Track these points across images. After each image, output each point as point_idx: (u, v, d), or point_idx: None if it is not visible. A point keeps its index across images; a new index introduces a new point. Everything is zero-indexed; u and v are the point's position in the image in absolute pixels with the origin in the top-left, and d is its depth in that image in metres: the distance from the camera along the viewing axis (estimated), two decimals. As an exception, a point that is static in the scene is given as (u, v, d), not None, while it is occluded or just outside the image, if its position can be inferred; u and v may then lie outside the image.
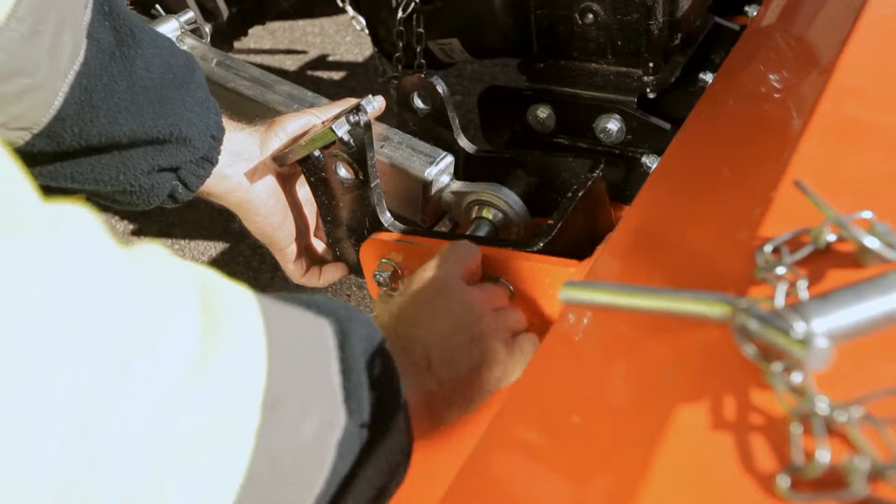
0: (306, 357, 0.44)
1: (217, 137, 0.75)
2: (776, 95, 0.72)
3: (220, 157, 0.76)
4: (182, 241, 2.06)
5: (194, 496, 0.35)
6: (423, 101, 0.92)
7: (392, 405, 0.48)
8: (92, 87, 0.64)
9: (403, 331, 0.62)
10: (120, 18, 0.67)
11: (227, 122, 0.78)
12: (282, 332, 0.42)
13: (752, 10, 1.12)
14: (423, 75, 0.90)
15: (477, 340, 0.63)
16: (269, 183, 0.82)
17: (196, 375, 0.35)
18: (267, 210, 0.83)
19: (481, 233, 0.83)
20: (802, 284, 0.45)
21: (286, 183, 0.85)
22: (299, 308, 0.46)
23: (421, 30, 1.03)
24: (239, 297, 0.41)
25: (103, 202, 0.74)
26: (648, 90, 0.93)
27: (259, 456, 0.38)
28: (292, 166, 0.84)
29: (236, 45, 1.57)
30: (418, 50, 1.04)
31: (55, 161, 0.66)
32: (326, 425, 0.43)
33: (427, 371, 0.60)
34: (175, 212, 0.79)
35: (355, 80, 2.54)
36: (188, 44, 1.03)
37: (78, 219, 0.34)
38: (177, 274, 0.38)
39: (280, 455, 0.40)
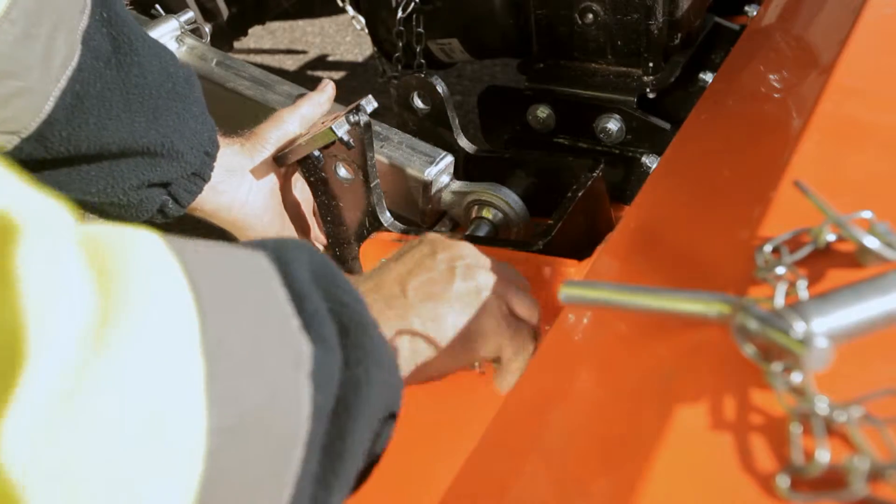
0: (245, 290, 0.39)
1: (211, 154, 0.74)
2: (776, 95, 0.72)
3: (212, 174, 0.75)
4: (182, 241, 2.06)
5: (159, 470, 0.31)
6: (423, 101, 0.92)
7: (361, 327, 0.43)
8: (84, 93, 0.64)
9: (376, 272, 0.58)
10: (118, 26, 0.66)
11: (218, 139, 0.77)
12: (206, 268, 0.36)
13: (752, 10, 1.12)
14: (423, 75, 0.90)
15: (459, 274, 0.58)
16: (263, 197, 0.81)
17: (100, 342, 0.29)
18: (263, 226, 0.82)
19: (481, 233, 0.83)
20: (802, 284, 0.45)
21: (280, 192, 0.84)
22: (225, 247, 0.40)
23: (421, 30, 1.03)
24: (135, 238, 0.34)
25: (93, 214, 0.73)
26: (648, 90, 0.93)
27: (218, 405, 0.33)
28: (285, 174, 0.84)
29: (236, 45, 1.57)
30: (418, 50, 1.04)
31: (44, 168, 0.65)
32: (291, 358, 0.39)
33: (402, 296, 0.55)
34: (175, 211, 0.78)
35: (355, 80, 2.53)
36: (188, 44, 1.03)
37: None
38: (38, 229, 0.29)
39: (245, 398, 0.35)
